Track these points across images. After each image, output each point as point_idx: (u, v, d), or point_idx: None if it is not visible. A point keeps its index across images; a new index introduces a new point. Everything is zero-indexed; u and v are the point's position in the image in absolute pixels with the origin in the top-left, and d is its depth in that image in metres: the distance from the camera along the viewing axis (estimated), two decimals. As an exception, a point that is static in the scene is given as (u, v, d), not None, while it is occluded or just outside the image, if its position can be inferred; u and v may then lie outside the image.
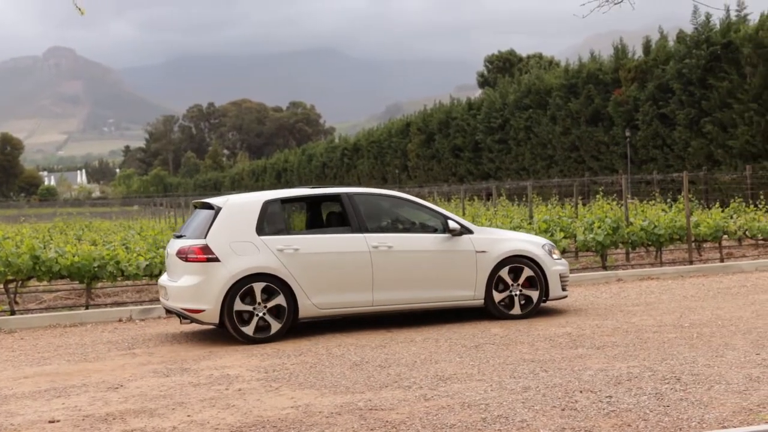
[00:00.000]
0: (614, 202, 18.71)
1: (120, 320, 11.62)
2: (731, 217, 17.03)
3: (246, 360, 8.43)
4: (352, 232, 9.86)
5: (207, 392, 7.09)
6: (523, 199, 25.99)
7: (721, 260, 15.54)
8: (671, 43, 39.55)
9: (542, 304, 10.51)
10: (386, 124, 74.18)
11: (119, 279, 12.51)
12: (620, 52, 43.01)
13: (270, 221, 9.71)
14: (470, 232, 10.30)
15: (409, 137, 64.01)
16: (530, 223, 15.92)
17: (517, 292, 10.29)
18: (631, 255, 16.51)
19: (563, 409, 5.98)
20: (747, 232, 16.41)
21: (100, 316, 11.71)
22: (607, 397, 6.26)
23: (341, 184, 73.33)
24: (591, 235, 14.69)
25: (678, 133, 37.19)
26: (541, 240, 10.93)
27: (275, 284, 9.37)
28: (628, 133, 40.08)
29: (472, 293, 10.16)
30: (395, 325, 10.17)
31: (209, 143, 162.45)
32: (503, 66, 75.32)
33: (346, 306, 9.81)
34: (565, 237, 14.77)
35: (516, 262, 10.31)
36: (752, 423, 5.42)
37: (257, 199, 9.93)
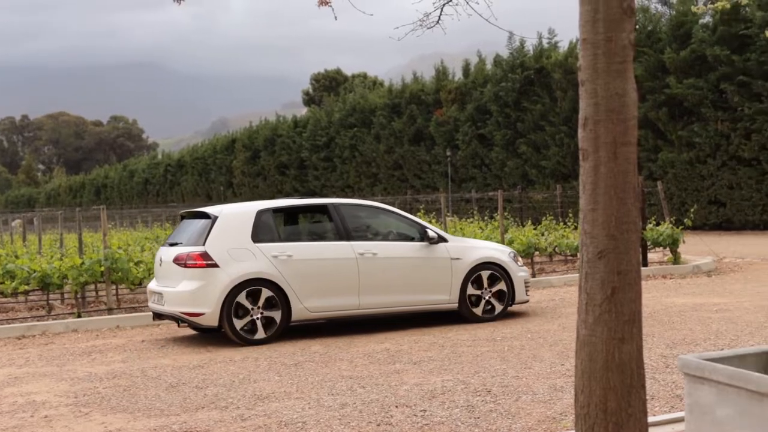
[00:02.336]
0: (434, 220, 19.21)
1: None
2: (542, 234, 17.84)
3: (54, 385, 8.05)
4: (340, 240, 10.49)
5: (9, 421, 6.72)
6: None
7: (533, 275, 16.24)
8: (489, 67, 41.15)
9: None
10: (211, 140, 73.05)
11: None
12: (441, 73, 44.36)
13: (264, 229, 10.25)
14: (445, 240, 11.01)
15: (234, 154, 63.33)
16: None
17: (488, 297, 11.04)
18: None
19: (379, 425, 6.07)
20: (557, 248, 17.23)
21: None
22: (421, 411, 6.39)
23: (164, 201, 71.59)
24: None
25: (495, 153, 38.70)
26: (507, 248, 11.83)
27: (271, 289, 9.89)
28: (448, 153, 41.33)
29: (448, 297, 10.85)
30: (215, 344, 10.02)
31: (23, 157, 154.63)
32: (329, 84, 76.03)
33: (335, 309, 10.36)
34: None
35: (486, 268, 11.07)
36: (555, 431, 5.69)
37: (251, 208, 10.48)
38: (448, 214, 20.77)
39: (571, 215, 18.96)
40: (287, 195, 54.47)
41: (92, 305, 13.70)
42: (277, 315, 9.93)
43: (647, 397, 6.32)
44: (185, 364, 8.87)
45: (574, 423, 4.18)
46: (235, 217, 10.34)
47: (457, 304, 10.90)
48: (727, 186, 29.57)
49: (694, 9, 9.45)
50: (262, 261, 9.95)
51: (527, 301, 11.65)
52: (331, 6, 6.24)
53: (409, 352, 8.93)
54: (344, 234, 10.52)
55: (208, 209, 10.65)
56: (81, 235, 14.30)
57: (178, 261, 9.99)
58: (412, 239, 10.93)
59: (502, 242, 15.86)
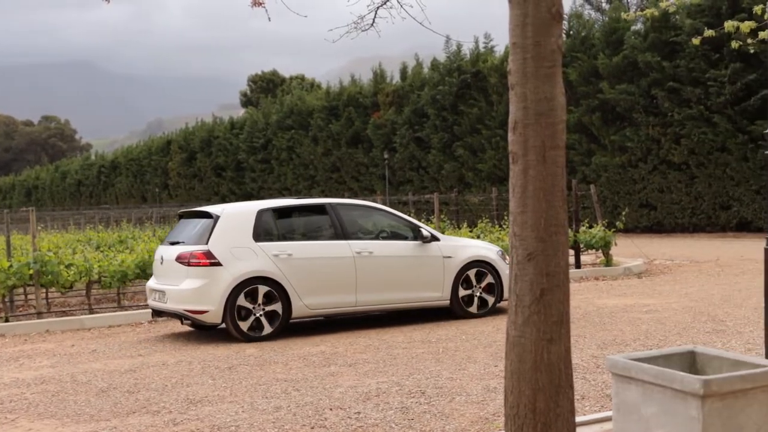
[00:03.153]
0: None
1: None
2: (478, 237, 17.98)
3: (-19, 391, 7.85)
4: (337, 239, 10.76)
5: (-67, 428, 6.54)
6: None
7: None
8: (426, 70, 41.36)
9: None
10: (146, 141, 72.07)
11: None
12: (379, 76, 44.44)
13: (264, 228, 10.49)
14: (438, 239, 11.33)
15: (170, 155, 62.57)
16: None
17: (478, 294, 11.44)
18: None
19: (313, 428, 6.05)
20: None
21: None
22: (356, 413, 6.39)
23: (98, 202, 70.43)
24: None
25: (432, 156, 38.91)
26: (495, 247, 12.15)
27: (272, 287, 10.12)
28: (386, 155, 41.43)
29: (440, 294, 11.17)
30: (147, 348, 9.89)
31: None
32: (266, 86, 75.61)
33: (333, 306, 10.63)
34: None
35: (476, 266, 11.42)
36: (487, 431, 5.74)
37: (252, 208, 10.71)
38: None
39: (506, 218, 19.14)
40: (247, 197, 54.12)
41: (21, 309, 13.41)
42: (278, 312, 10.18)
43: (578, 397, 6.43)
44: (117, 368, 8.73)
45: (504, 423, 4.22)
46: (237, 216, 10.54)
47: (448, 301, 11.24)
48: (657, 189, 30.19)
49: (624, 16, 9.60)
50: (263, 259, 10.18)
51: None
52: (264, 7, 6.21)
53: (344, 355, 8.93)
54: (341, 233, 10.80)
55: (209, 209, 10.85)
56: (9, 237, 13.96)
57: (181, 259, 10.18)
58: (405, 238, 11.24)
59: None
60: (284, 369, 8.29)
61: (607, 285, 14.85)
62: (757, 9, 8.34)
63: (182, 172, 60.37)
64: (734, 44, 8.92)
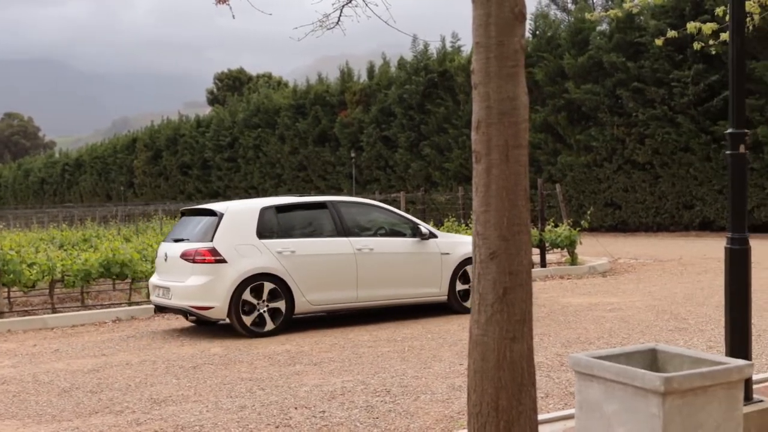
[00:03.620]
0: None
1: None
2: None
3: (-60, 392, 7.73)
4: (338, 236, 10.95)
5: None
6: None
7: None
8: (393, 69, 41.39)
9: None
10: (111, 139, 71.43)
11: None
12: (346, 75, 44.40)
13: (267, 226, 10.63)
14: (435, 236, 11.55)
15: (135, 153, 62.07)
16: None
17: None
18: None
19: (277, 427, 6.03)
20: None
21: None
22: (320, 412, 6.38)
23: (62, 201, 69.66)
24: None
25: (399, 155, 38.96)
26: None
27: (275, 283, 10.30)
28: (353, 154, 41.41)
29: (438, 290, 11.39)
30: (112, 348, 9.80)
31: None
32: (233, 84, 75.29)
33: (335, 302, 10.81)
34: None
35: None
36: (452, 429, 5.76)
37: (255, 205, 10.86)
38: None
39: (472, 216, 19.23)
40: (213, 196, 53.83)
41: (-18, 309, 13.21)
42: (281, 308, 10.35)
43: (542, 395, 6.48)
44: (80, 368, 8.64)
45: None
46: (241, 214, 10.68)
47: (446, 297, 11.45)
48: (622, 189, 30.47)
49: (588, 16, 9.67)
50: (267, 256, 10.35)
51: None
52: (229, 5, 6.17)
53: (309, 354, 8.91)
54: (342, 230, 11.00)
55: (213, 206, 11.02)
56: (-30, 236, 13.79)
57: (186, 256, 10.32)
58: (404, 235, 11.44)
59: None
60: (249, 368, 8.25)
61: (572, 284, 14.96)
62: (719, 10, 8.44)
63: (148, 171, 59.91)
64: (696, 45, 9.01)
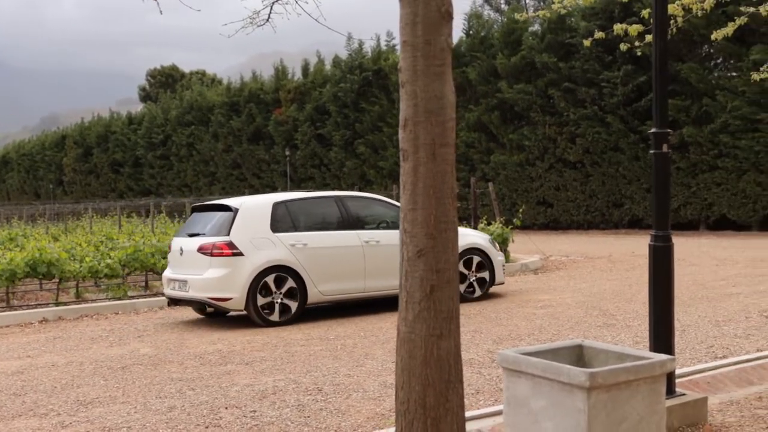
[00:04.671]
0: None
1: None
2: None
3: None
4: (347, 229, 11.46)
5: None
6: (183, 215, 25.68)
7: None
8: (328, 67, 41.33)
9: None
10: (40, 136, 69.94)
11: None
12: (281, 73, 44.19)
13: (280, 220, 11.09)
14: None
15: (65, 151, 60.87)
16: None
17: (473, 279, 12.34)
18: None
19: (207, 427, 5.97)
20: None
21: None
22: (251, 411, 6.33)
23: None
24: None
25: (334, 153, 38.92)
26: (486, 235, 13.16)
27: (289, 275, 10.79)
28: (287, 152, 41.24)
29: None
30: (37, 350, 9.59)
31: None
32: (166, 81, 74.33)
33: (345, 292, 11.31)
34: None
35: (471, 253, 12.33)
36: (383, 427, 5.77)
37: (267, 201, 11.34)
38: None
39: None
40: (145, 193, 53.05)
41: None
42: (295, 299, 10.84)
43: (472, 391, 6.53)
44: (3, 370, 8.43)
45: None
46: (255, 208, 11.13)
47: None
48: (554, 187, 30.91)
49: (518, 16, 9.80)
50: (281, 249, 10.84)
51: (503, 283, 13.03)
52: (156, 1, 6.07)
53: (241, 353, 8.84)
54: (350, 223, 11.53)
55: (227, 202, 11.38)
56: None
57: (204, 250, 10.71)
58: None
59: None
60: (179, 368, 8.15)
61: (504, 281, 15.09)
62: (645, 13, 8.61)
63: (78, 168, 58.81)
64: (623, 47, 9.18)
